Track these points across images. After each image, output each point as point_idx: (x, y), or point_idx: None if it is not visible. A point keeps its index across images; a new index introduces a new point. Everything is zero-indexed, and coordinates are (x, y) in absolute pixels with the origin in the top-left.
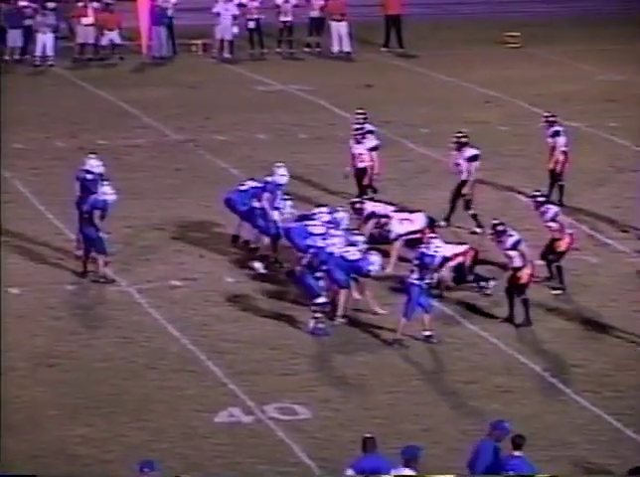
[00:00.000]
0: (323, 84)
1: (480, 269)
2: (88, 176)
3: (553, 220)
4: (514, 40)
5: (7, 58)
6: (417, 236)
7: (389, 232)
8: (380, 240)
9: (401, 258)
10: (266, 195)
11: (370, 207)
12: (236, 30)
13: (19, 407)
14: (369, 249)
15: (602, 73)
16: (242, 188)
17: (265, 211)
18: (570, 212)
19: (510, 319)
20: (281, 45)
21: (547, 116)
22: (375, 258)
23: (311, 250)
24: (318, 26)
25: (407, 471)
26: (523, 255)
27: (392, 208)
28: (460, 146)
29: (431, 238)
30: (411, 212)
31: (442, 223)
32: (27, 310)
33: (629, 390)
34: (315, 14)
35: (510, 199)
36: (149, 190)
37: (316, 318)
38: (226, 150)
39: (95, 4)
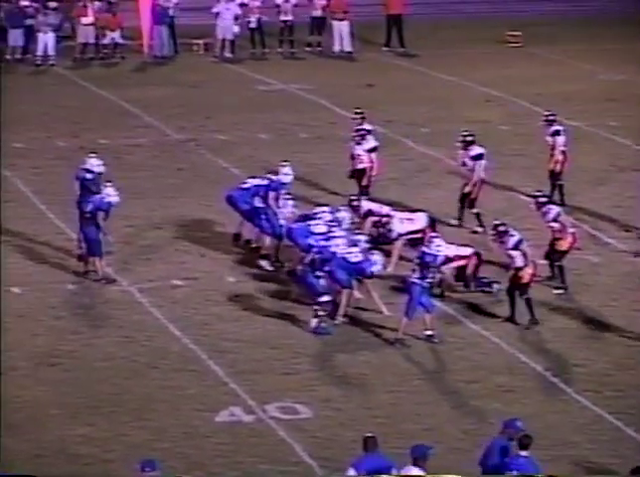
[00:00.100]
0: (324, 84)
1: (483, 269)
2: (88, 175)
3: (555, 220)
4: (515, 39)
5: (8, 57)
6: (419, 235)
7: (390, 231)
8: (381, 240)
9: (403, 258)
10: (272, 194)
11: (366, 205)
12: (237, 29)
13: (20, 407)
14: (370, 249)
15: (603, 72)
16: (244, 186)
17: (271, 210)
18: (571, 211)
19: (511, 319)
20: (282, 44)
21: (546, 115)
22: (377, 258)
23: (314, 249)
24: (319, 25)
25: (416, 470)
26: (524, 255)
27: (388, 207)
28: (466, 145)
29: (433, 237)
30: (413, 211)
31: (454, 221)
32: (28, 310)
33: (630, 389)
34: (317, 13)
35: (511, 198)
36: (150, 189)
37: (319, 317)
38: (227, 150)
39: (97, 3)
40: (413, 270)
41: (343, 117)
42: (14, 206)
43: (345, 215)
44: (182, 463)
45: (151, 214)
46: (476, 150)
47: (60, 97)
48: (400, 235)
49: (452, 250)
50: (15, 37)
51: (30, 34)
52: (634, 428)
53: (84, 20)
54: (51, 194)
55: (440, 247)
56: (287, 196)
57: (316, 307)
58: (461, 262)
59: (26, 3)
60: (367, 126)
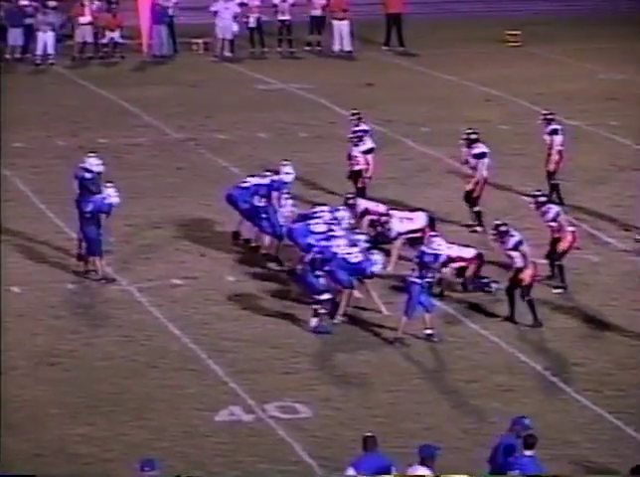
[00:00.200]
0: (324, 83)
1: (483, 269)
2: (87, 175)
3: (554, 220)
4: (514, 38)
5: (8, 56)
6: (418, 235)
7: (389, 230)
8: (379, 239)
9: (402, 257)
10: (275, 194)
11: (362, 204)
12: (236, 28)
13: (20, 406)
14: (370, 248)
15: (603, 71)
16: (244, 185)
17: (272, 209)
18: (571, 211)
19: (510, 318)
20: (281, 44)
21: (544, 114)
22: (377, 258)
23: (315, 249)
24: (319, 24)
25: (423, 470)
26: (524, 256)
27: (384, 206)
28: (470, 143)
29: (432, 236)
30: (412, 211)
31: (479, 228)
32: (27, 309)
33: (630, 388)
34: (316, 12)
35: (511, 198)
36: (150, 189)
37: (319, 316)
38: (226, 149)
39: (97, 3)
40: (413, 270)
41: (342, 117)
42: (13, 205)
43: (344, 214)
44: (181, 462)
45: (150, 213)
46: (479, 148)
47: (59, 97)
48: (400, 234)
49: (455, 251)
50: (14, 36)
51: (29, 33)
52: (634, 428)
53: (82, 19)
54: (50, 193)
55: (441, 247)
56: (287, 195)
57: (316, 306)
58: (462, 264)
59: (25, 2)
60: (364, 127)
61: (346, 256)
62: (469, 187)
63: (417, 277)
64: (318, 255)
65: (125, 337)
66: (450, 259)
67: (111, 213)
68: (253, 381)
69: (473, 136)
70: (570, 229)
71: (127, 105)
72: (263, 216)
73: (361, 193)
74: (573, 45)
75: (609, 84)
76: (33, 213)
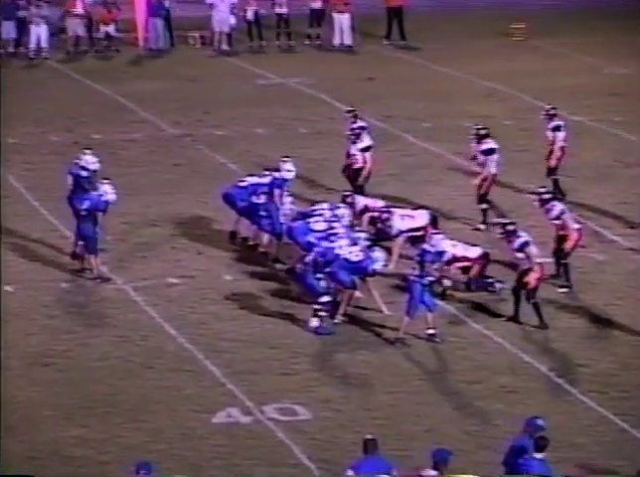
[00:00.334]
0: (323, 78)
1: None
2: (83, 172)
3: (558, 217)
4: (518, 32)
5: (1, 50)
6: (420, 233)
7: (390, 227)
8: (380, 236)
9: (403, 256)
10: (277, 191)
11: (361, 201)
12: (233, 21)
13: (13, 408)
14: (370, 246)
15: (608, 66)
16: (242, 184)
17: (275, 208)
18: (575, 208)
19: (515, 318)
20: (279, 37)
21: (547, 109)
22: (378, 255)
23: (317, 250)
24: (319, 17)
25: (434, 474)
26: (530, 258)
27: (382, 201)
28: (479, 138)
29: (434, 234)
30: (414, 208)
31: (482, 226)
32: (21, 308)
33: (636, 390)
34: (316, 5)
35: (514, 195)
36: (146, 185)
37: (320, 317)
38: (224, 145)
39: None
40: (414, 268)
41: (343, 112)
42: (7, 202)
43: (344, 211)
44: (178, 465)
45: (147, 210)
46: (488, 144)
47: (53, 91)
48: (401, 231)
49: (460, 250)
50: (7, 29)
51: (22, 26)
52: None
53: (73, 11)
54: (44, 190)
55: (445, 245)
56: (286, 193)
57: (316, 307)
58: (467, 264)
59: None
60: (361, 123)
61: (347, 256)
62: (476, 182)
63: (419, 276)
64: (320, 258)
65: (121, 337)
66: (455, 258)
67: (108, 210)
68: (251, 382)
69: (483, 132)
70: (575, 226)
71: (123, 100)
72: (262, 213)
73: (359, 191)
74: (578, 38)
75: (614, 79)
76: (26, 210)
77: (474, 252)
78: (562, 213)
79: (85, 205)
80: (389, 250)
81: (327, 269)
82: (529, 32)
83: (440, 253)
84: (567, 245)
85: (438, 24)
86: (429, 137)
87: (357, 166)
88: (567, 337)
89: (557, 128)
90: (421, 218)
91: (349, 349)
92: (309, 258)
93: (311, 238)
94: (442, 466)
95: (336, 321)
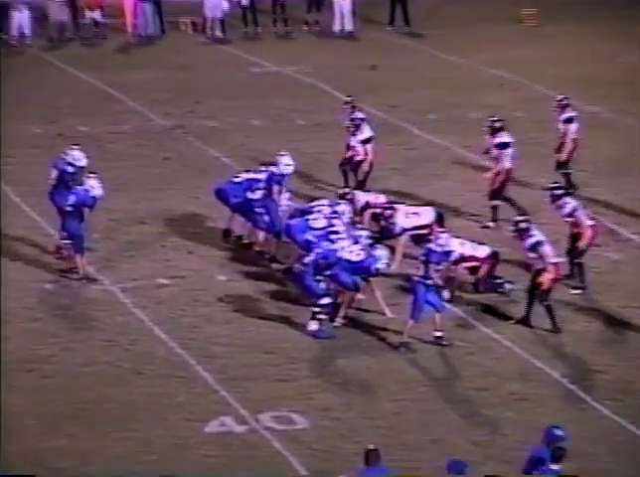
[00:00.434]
0: (322, 66)
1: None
2: (69, 168)
3: (571, 214)
4: (530, 18)
5: None
6: (425, 231)
7: (393, 225)
8: (383, 235)
9: (407, 255)
10: (276, 188)
11: (362, 197)
12: (226, 6)
13: None
14: (372, 244)
15: (625, 54)
16: (236, 180)
17: (274, 205)
18: (589, 204)
19: (525, 320)
20: (276, 23)
21: (559, 100)
22: (381, 253)
23: (318, 251)
24: (318, 2)
25: None
26: (543, 258)
27: (383, 195)
28: (494, 131)
29: (440, 233)
30: (419, 205)
31: (491, 224)
32: (2, 311)
33: None
34: None
35: (525, 191)
36: (134, 180)
37: (319, 320)
38: (217, 137)
39: None
40: (418, 268)
41: (343, 102)
42: None
43: (345, 208)
44: None
45: (135, 207)
46: (502, 138)
47: (36, 81)
48: (405, 229)
49: (468, 249)
50: None
51: (3, 12)
52: None
53: None
54: (26, 185)
55: (452, 244)
56: (283, 189)
57: (315, 309)
58: (475, 264)
59: None
60: (360, 115)
61: (348, 257)
62: (487, 176)
63: (422, 276)
64: (322, 260)
65: (108, 341)
66: (463, 258)
67: (95, 206)
68: (246, 389)
69: (497, 124)
70: (590, 223)
71: (110, 90)
72: (258, 210)
73: (360, 186)
74: (593, 25)
75: (632, 68)
76: (7, 206)
77: (483, 252)
78: (576, 209)
79: (71, 200)
80: (392, 249)
81: (328, 272)
82: (541, 18)
83: (447, 253)
84: (581, 244)
85: (445, 9)
86: (435, 129)
87: (358, 158)
88: (582, 341)
89: (569, 120)
90: (427, 215)
91: (350, 354)
92: (309, 259)
93: (310, 237)
94: None
95: (336, 324)
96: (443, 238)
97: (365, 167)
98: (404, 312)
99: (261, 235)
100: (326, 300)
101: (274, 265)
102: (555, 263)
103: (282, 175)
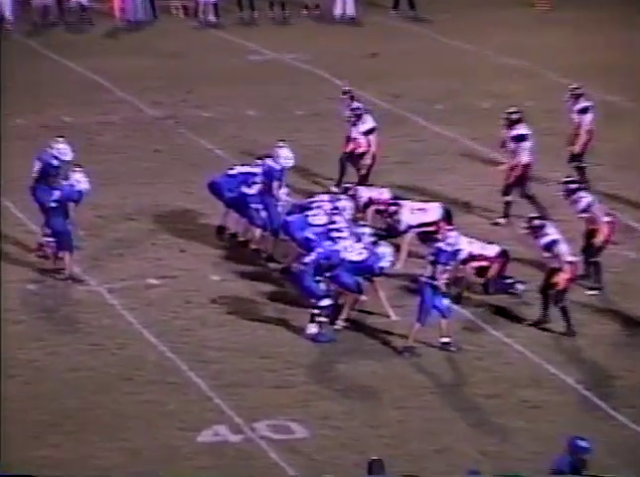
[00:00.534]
0: (323, 52)
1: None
2: (54, 162)
3: (586, 210)
4: (543, 1)
5: None
6: (431, 228)
7: (398, 222)
8: (388, 233)
9: (413, 254)
10: (276, 184)
11: (365, 193)
12: None
13: None
14: (375, 242)
15: None
16: (231, 173)
17: (273, 201)
18: (605, 199)
19: (540, 323)
20: (273, 7)
21: (572, 89)
22: (384, 250)
23: (319, 251)
24: None
25: None
26: (558, 258)
27: (386, 189)
28: (511, 124)
29: (450, 231)
30: (425, 201)
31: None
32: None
33: None
34: None
35: (538, 185)
36: (122, 174)
37: (319, 323)
38: (210, 128)
39: None
40: (426, 269)
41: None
42: None
43: (347, 204)
44: None
45: (123, 202)
46: (519, 130)
47: (18, 69)
48: (410, 227)
49: (477, 248)
50: None
51: None
52: None
53: None
54: (9, 180)
55: (461, 243)
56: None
57: (315, 311)
58: (484, 263)
59: None
60: (357, 105)
61: (349, 256)
62: (501, 168)
63: (431, 277)
64: (324, 260)
65: (95, 345)
66: (471, 257)
67: (81, 201)
68: (241, 396)
69: (515, 116)
70: (606, 219)
71: (97, 78)
72: (254, 205)
73: (362, 180)
74: (611, 9)
75: None
76: None
77: (492, 250)
78: (591, 204)
79: (56, 195)
80: (396, 247)
81: (329, 273)
82: (554, 1)
83: (455, 252)
84: (597, 240)
85: None
86: (441, 120)
87: (360, 151)
88: (598, 345)
89: (583, 110)
90: (433, 211)
91: (351, 358)
92: (310, 259)
93: (309, 234)
94: None
95: (337, 327)
96: (453, 236)
97: (367, 160)
98: (410, 314)
99: (258, 232)
100: (326, 302)
101: (271, 265)
102: (571, 262)
103: (282, 169)
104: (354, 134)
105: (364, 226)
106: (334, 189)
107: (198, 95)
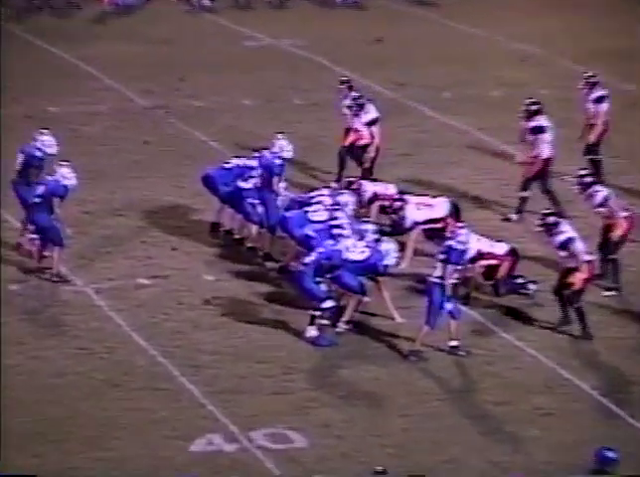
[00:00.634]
0: (323, 38)
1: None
2: (38, 153)
3: (602, 204)
4: None
5: None
6: (438, 225)
7: (403, 219)
8: (393, 231)
9: (419, 252)
10: (276, 179)
11: (370, 187)
12: None
13: None
14: (378, 239)
15: None
16: (227, 166)
17: (273, 196)
18: (623, 194)
19: (561, 325)
20: None
21: (588, 77)
22: (388, 247)
23: (320, 251)
24: None
25: None
26: (575, 257)
27: (392, 185)
28: (530, 115)
29: (460, 228)
30: (432, 196)
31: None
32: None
33: None
34: None
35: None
36: (110, 167)
37: (320, 326)
38: (204, 119)
39: None
40: (435, 268)
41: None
42: None
43: (348, 199)
44: None
45: (111, 197)
46: (537, 121)
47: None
48: (416, 223)
49: (485, 245)
50: None
51: None
52: None
53: None
54: None
55: (472, 241)
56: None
57: (315, 313)
58: (493, 262)
59: None
60: (359, 94)
61: (351, 256)
62: (521, 161)
63: (440, 277)
64: (325, 261)
65: (81, 349)
66: (480, 255)
67: (66, 197)
68: (237, 403)
69: (534, 107)
70: (624, 214)
71: (83, 66)
72: (250, 201)
73: (366, 174)
74: None
75: None
76: None
77: (501, 248)
78: (608, 198)
79: (39, 190)
80: (401, 245)
81: (330, 275)
82: None
83: (466, 252)
84: (615, 235)
85: None
86: (449, 109)
87: (362, 142)
88: (616, 349)
89: (600, 99)
90: (440, 207)
91: (354, 363)
92: (310, 259)
93: (309, 231)
94: None
95: (339, 330)
96: (463, 233)
97: (370, 152)
98: (416, 316)
99: (254, 229)
100: (329, 303)
101: (268, 263)
102: (588, 261)
103: (282, 164)
104: (356, 125)
105: (367, 222)
106: (334, 185)
107: (190, 84)
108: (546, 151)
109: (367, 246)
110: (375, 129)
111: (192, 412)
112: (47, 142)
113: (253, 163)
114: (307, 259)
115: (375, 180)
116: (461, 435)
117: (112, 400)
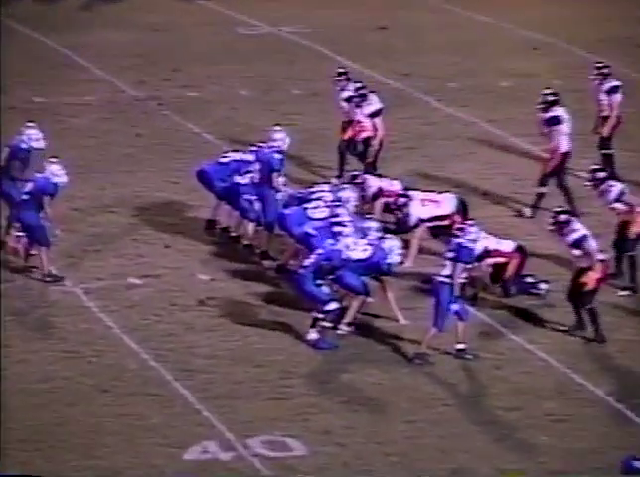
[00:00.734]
0: (323, 26)
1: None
2: (23, 146)
3: (617, 199)
4: None
5: None
6: (445, 222)
7: (408, 215)
8: (398, 228)
9: (424, 250)
10: (276, 174)
11: (374, 182)
12: None
13: None
14: (381, 237)
15: None
16: (222, 160)
17: (273, 192)
18: (637, 189)
19: (577, 329)
20: None
21: (600, 66)
22: (391, 245)
23: (320, 253)
24: None
25: None
26: (589, 255)
27: (397, 181)
28: (546, 107)
29: (470, 225)
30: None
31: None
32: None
33: None
34: None
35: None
36: (100, 161)
37: (320, 328)
38: (198, 110)
39: None
40: (443, 267)
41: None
42: None
43: (350, 194)
44: None
45: (101, 193)
46: (553, 112)
47: None
48: (422, 220)
49: (492, 243)
50: None
51: None
52: None
53: None
54: None
55: (480, 238)
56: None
57: (318, 316)
58: (500, 260)
59: None
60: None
61: (352, 256)
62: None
63: (448, 277)
64: (325, 262)
65: (69, 352)
66: (487, 253)
67: (56, 195)
68: (233, 409)
69: (551, 99)
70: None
71: (71, 54)
72: (247, 196)
73: (369, 168)
74: None
75: None
76: None
77: (507, 246)
78: (623, 193)
79: (28, 187)
80: (406, 243)
81: (330, 276)
82: None
83: (472, 250)
84: (631, 231)
85: None
86: (455, 100)
87: (365, 135)
88: (631, 352)
89: (613, 90)
90: (447, 203)
91: (356, 367)
92: (309, 262)
93: (309, 229)
94: None
95: (340, 332)
96: (473, 231)
97: (374, 146)
98: (421, 318)
99: (251, 226)
100: (332, 306)
101: (266, 262)
102: (602, 261)
103: (282, 159)
104: (358, 117)
105: (370, 219)
106: (335, 181)
107: (184, 74)
108: (564, 144)
109: (369, 245)
110: (377, 121)
111: (186, 419)
112: (33, 136)
113: (251, 157)
114: (306, 263)
115: (379, 175)
116: (469, 443)
117: (102, 406)
